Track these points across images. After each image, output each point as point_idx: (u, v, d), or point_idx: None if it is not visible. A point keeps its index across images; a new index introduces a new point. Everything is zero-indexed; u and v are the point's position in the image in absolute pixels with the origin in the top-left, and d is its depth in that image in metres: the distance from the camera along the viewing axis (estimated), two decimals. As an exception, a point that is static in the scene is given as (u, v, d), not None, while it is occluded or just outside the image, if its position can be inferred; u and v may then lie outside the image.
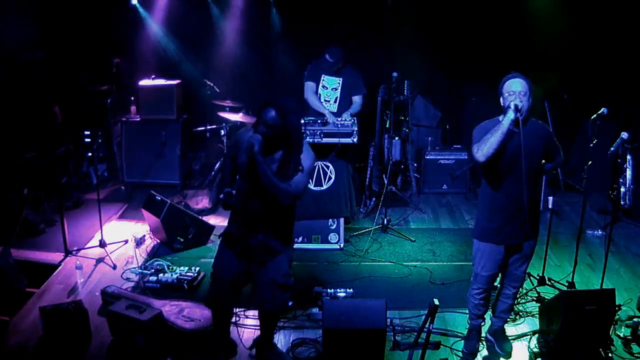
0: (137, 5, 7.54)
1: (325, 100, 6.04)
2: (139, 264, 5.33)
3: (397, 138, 6.61)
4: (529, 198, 3.70)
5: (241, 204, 3.65)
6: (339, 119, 5.70)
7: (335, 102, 6.04)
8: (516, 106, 3.52)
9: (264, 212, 3.60)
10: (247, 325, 4.40)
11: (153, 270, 5.14)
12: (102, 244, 5.54)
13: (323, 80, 6.04)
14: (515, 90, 3.60)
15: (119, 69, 7.55)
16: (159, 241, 5.83)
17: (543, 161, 3.86)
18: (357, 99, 6.04)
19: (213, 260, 3.83)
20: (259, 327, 4.05)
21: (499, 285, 4.11)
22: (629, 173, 6.26)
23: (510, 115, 3.54)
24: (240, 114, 6.76)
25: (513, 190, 3.68)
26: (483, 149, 3.57)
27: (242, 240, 3.67)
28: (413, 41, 7.58)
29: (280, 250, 3.72)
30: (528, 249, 3.92)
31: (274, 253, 3.69)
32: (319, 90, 6.05)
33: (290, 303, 4.61)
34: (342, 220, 5.75)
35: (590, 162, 4.55)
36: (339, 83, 6.02)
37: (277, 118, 3.41)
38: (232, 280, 3.74)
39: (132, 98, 7.48)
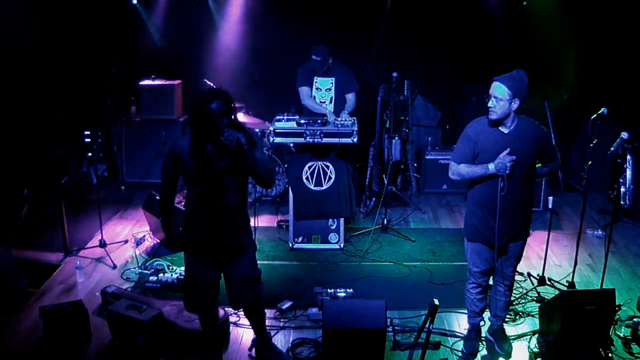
0: (137, 5, 7.54)
1: (320, 102, 6.03)
2: (139, 264, 5.33)
3: (397, 138, 6.61)
4: (516, 199, 3.73)
5: (204, 208, 3.57)
6: (339, 119, 5.70)
7: (330, 102, 6.03)
8: (507, 174, 3.63)
9: (233, 209, 3.57)
10: (247, 325, 4.39)
11: (153, 270, 5.14)
12: (102, 244, 5.54)
13: (316, 82, 6.01)
14: (491, 94, 3.68)
15: (119, 69, 7.55)
16: (159, 241, 5.83)
17: (539, 164, 3.87)
18: (350, 97, 6.03)
19: (184, 271, 3.81)
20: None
21: (492, 284, 4.13)
22: (629, 173, 6.26)
23: (492, 171, 3.66)
24: (240, 114, 6.75)
25: (496, 192, 3.70)
26: (455, 174, 3.87)
27: (211, 244, 3.62)
28: (413, 41, 7.59)
29: (250, 243, 3.74)
30: (516, 250, 3.94)
31: (244, 249, 3.70)
32: (313, 93, 6.03)
33: (290, 303, 4.62)
34: (342, 220, 5.75)
35: (590, 162, 4.55)
36: (331, 83, 6.01)
37: (226, 105, 3.40)
38: (211, 284, 3.73)
39: (132, 98, 7.49)
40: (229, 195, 3.53)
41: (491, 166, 3.66)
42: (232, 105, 3.44)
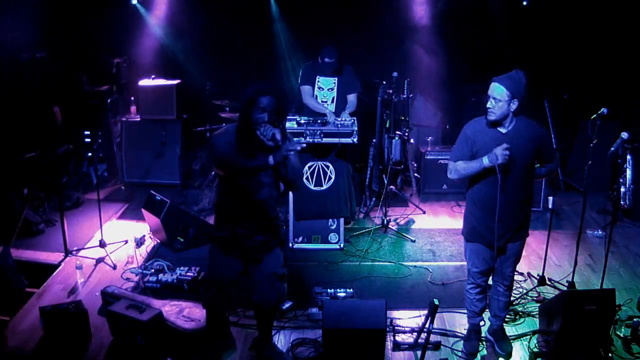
0: (137, 4, 7.54)
1: (322, 101, 6.03)
2: (139, 264, 5.33)
3: (397, 138, 6.61)
4: (515, 200, 3.72)
5: (238, 203, 3.59)
6: (339, 119, 5.70)
7: (332, 102, 6.03)
8: (501, 165, 3.59)
9: (265, 204, 3.59)
10: (247, 325, 4.39)
11: (153, 270, 5.14)
12: (102, 244, 5.54)
13: (318, 81, 6.01)
14: (489, 95, 3.67)
15: (119, 69, 7.55)
16: (159, 241, 5.83)
17: (537, 165, 3.87)
18: (351, 98, 6.03)
19: (208, 266, 3.83)
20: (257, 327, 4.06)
21: (492, 284, 4.13)
22: (629, 173, 6.26)
23: (487, 164, 3.63)
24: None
25: (495, 192, 3.70)
26: (453, 173, 3.87)
27: (241, 242, 3.65)
28: (413, 41, 7.59)
29: (278, 242, 3.76)
30: (515, 250, 3.94)
31: (272, 246, 3.72)
32: (315, 92, 6.03)
33: (290, 303, 4.62)
34: (342, 220, 5.75)
35: (590, 162, 4.55)
36: (334, 83, 6.00)
37: (275, 104, 3.37)
38: (234, 283, 3.75)
39: (132, 98, 7.49)
40: (263, 191, 3.55)
41: (485, 159, 3.65)
42: (283, 109, 3.42)
